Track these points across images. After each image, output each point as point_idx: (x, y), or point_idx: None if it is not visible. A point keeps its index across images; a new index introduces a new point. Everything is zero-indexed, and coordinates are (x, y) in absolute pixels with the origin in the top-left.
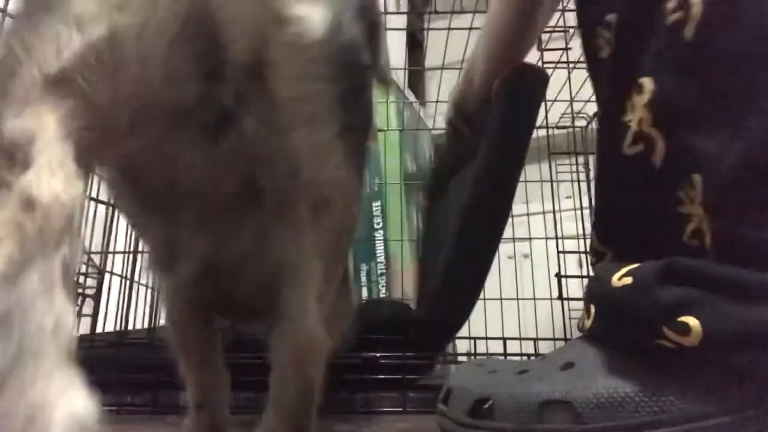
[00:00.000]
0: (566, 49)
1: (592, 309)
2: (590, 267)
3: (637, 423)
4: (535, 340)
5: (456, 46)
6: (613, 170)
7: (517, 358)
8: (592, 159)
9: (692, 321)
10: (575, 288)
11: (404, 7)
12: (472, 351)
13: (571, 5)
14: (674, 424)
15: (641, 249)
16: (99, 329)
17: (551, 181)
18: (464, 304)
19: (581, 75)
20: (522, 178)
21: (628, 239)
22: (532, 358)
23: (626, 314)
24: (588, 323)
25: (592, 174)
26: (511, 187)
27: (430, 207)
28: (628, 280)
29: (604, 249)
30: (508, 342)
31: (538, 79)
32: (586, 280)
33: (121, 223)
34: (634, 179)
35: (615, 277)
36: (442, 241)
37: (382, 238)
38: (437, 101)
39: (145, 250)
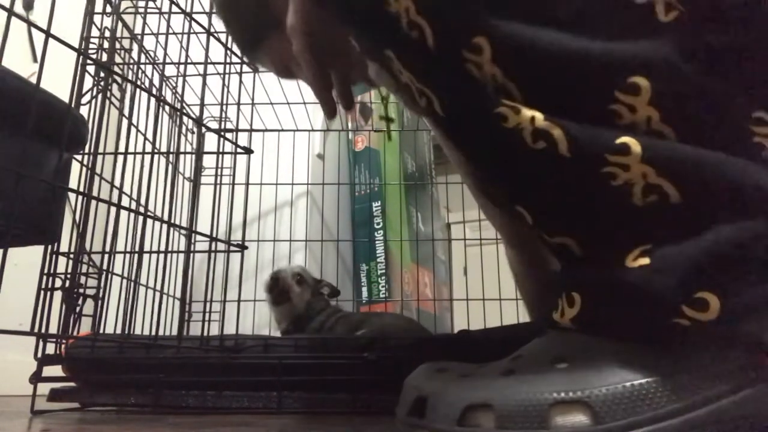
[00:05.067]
0: None
1: (577, 298)
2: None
3: (659, 414)
4: None
5: None
6: (527, 167)
7: None
8: None
9: (709, 295)
10: None
11: None
12: None
13: None
14: (695, 408)
15: (601, 228)
16: (100, 330)
17: None
18: None
19: None
20: None
21: (578, 223)
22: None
23: (641, 296)
24: (571, 313)
25: None
26: None
27: None
28: (645, 260)
29: (564, 239)
30: None
31: None
32: None
33: (122, 223)
34: (552, 172)
35: (629, 258)
36: None
37: (382, 238)
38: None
39: (147, 250)
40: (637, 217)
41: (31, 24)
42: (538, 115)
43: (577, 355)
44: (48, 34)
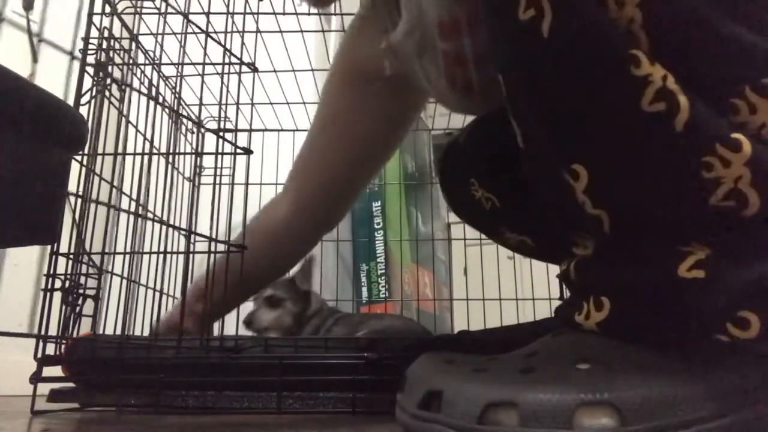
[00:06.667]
0: None
1: (606, 302)
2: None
3: (686, 420)
4: None
5: None
6: (624, 127)
7: None
8: None
9: (751, 315)
10: None
11: None
12: None
13: None
14: (720, 416)
15: (654, 211)
16: (99, 330)
17: None
18: None
19: None
20: None
21: (635, 200)
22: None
23: (689, 309)
24: (598, 317)
25: None
26: None
27: None
28: (700, 273)
29: (602, 213)
30: None
31: None
32: None
33: (121, 223)
34: (650, 141)
35: (682, 268)
36: None
37: (382, 238)
38: (437, 101)
39: (146, 251)
40: (705, 216)
41: (28, 27)
42: (671, 77)
43: (601, 357)
44: (41, 39)
